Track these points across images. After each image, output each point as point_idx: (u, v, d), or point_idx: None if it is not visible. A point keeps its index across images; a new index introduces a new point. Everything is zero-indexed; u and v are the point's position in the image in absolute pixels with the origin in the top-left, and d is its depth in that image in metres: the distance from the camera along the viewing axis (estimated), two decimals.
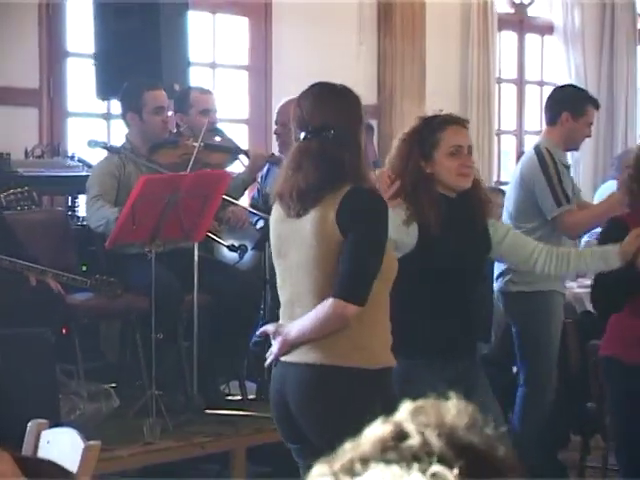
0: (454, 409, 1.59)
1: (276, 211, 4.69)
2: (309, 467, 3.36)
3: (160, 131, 7.24)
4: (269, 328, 4.69)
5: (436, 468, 1.48)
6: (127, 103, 7.38)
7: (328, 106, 4.64)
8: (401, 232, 4.99)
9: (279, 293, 4.79)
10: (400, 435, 1.54)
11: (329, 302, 4.36)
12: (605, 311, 5.77)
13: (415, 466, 1.51)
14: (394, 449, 1.54)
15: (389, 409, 4.34)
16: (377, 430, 1.61)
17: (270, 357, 4.58)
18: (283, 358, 4.50)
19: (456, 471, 1.47)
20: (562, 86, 8.25)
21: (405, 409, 1.65)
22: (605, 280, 5.43)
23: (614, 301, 5.53)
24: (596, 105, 7.33)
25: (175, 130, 7.41)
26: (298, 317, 4.51)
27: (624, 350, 5.55)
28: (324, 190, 4.43)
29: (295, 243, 4.53)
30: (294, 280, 4.59)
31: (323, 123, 4.52)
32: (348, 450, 1.61)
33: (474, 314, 5.53)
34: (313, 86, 4.75)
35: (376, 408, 4.25)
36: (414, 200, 5.12)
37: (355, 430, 4.58)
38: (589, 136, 7.53)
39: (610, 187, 9.97)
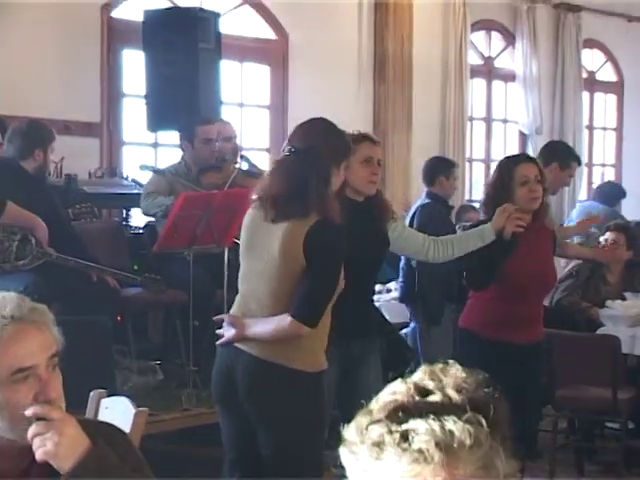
0: (459, 372, 1.65)
1: (252, 214, 4.50)
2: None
3: (207, 158, 7.23)
4: (226, 318, 4.50)
5: (469, 415, 1.53)
6: (183, 133, 7.41)
7: (310, 133, 4.49)
8: None
9: (239, 283, 4.60)
10: (423, 392, 1.58)
11: (287, 320, 4.22)
12: (475, 285, 5.62)
13: (447, 416, 1.53)
14: (422, 402, 1.57)
15: (323, 407, 4.27)
16: (400, 388, 1.62)
17: (222, 340, 4.43)
18: (236, 343, 4.36)
19: (483, 420, 1.54)
20: (556, 141, 8.37)
21: (420, 372, 1.67)
22: (474, 258, 5.32)
23: (482, 277, 5.43)
24: (579, 162, 7.51)
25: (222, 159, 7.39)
26: (252, 313, 4.37)
27: (481, 327, 5.52)
28: (291, 203, 4.26)
29: (265, 247, 4.35)
30: (255, 281, 4.41)
31: (300, 145, 4.37)
32: (378, 406, 1.60)
33: (370, 301, 5.43)
34: (311, 119, 4.62)
35: (312, 407, 4.37)
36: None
37: (293, 422, 4.54)
38: (567, 185, 7.72)
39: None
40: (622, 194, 10.50)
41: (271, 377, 4.32)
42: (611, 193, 10.36)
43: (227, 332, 4.41)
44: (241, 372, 4.36)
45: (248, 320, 4.35)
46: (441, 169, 8.43)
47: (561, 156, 7.16)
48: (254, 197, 4.50)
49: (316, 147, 4.35)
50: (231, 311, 4.58)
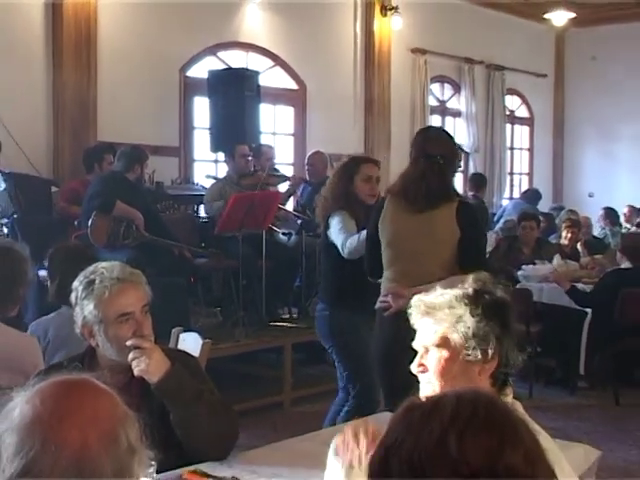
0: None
1: (392, 209, 3.95)
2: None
3: (244, 169, 7.17)
4: (392, 291, 3.87)
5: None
6: (227, 153, 7.39)
7: (447, 143, 4.03)
8: (350, 226, 4.49)
9: (387, 268, 3.95)
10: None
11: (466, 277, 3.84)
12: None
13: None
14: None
15: None
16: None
17: (392, 310, 3.83)
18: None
19: None
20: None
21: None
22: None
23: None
24: None
25: (252, 168, 7.39)
26: (413, 284, 3.68)
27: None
28: (440, 197, 3.84)
29: (422, 232, 3.84)
30: (419, 258, 3.83)
31: (435, 152, 3.89)
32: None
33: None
34: (426, 128, 4.19)
35: None
36: (350, 207, 4.52)
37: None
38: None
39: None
40: (539, 197, 11.03)
41: None
42: (533, 196, 10.96)
43: (395, 303, 3.82)
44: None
45: (412, 289, 3.67)
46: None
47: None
48: (389, 195, 3.98)
49: (451, 152, 4.01)
50: (386, 288, 3.97)
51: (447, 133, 4.15)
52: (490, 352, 2.01)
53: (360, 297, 4.40)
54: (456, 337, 2.01)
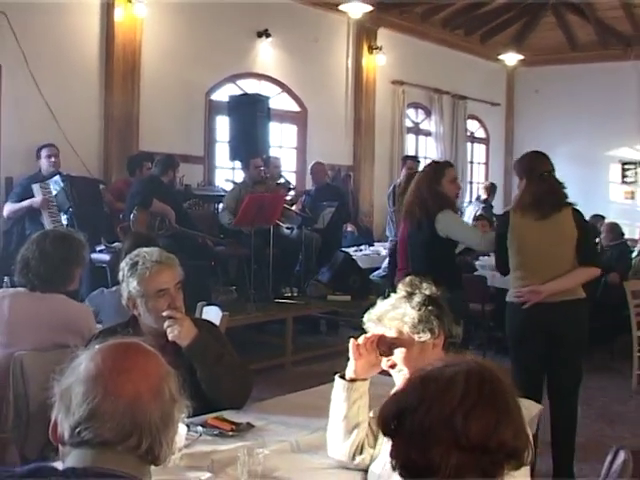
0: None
1: (518, 220, 3.74)
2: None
3: (257, 177, 7.12)
4: (526, 290, 3.69)
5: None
6: (244, 163, 7.35)
7: (542, 160, 3.83)
8: (465, 222, 4.31)
9: (517, 269, 3.76)
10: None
11: (592, 268, 3.69)
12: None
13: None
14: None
15: None
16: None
17: (530, 302, 3.67)
18: (550, 299, 3.63)
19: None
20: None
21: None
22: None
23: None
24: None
25: (265, 176, 7.35)
26: (545, 279, 3.65)
27: None
28: (563, 204, 3.69)
29: (548, 235, 3.67)
30: (549, 258, 3.67)
31: (544, 169, 3.76)
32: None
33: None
34: (527, 154, 3.92)
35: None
36: (450, 205, 4.22)
37: (585, 339, 3.82)
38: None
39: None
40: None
41: (581, 307, 3.73)
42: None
43: (533, 297, 3.66)
44: (562, 313, 3.67)
45: (547, 285, 3.66)
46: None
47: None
48: (517, 208, 3.75)
49: (552, 167, 3.83)
50: (518, 285, 3.76)
51: (541, 153, 3.93)
52: (436, 330, 2.03)
53: (460, 277, 4.40)
54: (407, 328, 2.03)
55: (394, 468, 1.22)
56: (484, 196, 10.20)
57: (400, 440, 1.20)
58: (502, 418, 1.18)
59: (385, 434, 1.25)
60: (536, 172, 3.75)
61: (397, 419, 1.20)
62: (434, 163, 4.53)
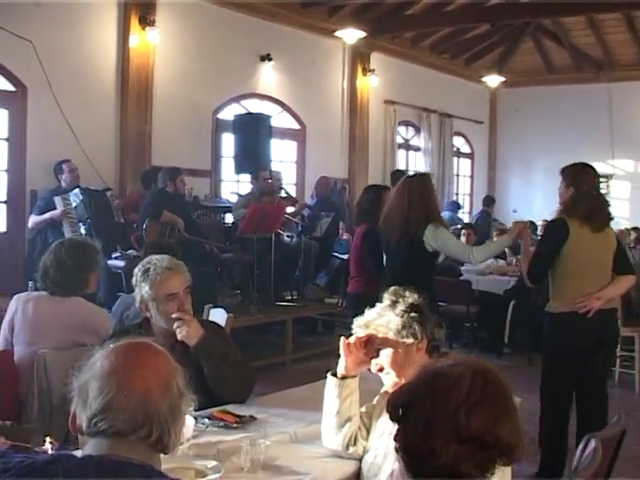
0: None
1: (576, 232, 3.56)
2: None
3: (264, 189, 7.08)
4: (588, 300, 3.55)
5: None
6: (252, 175, 7.30)
7: (585, 176, 3.77)
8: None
9: (569, 277, 3.59)
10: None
11: (631, 277, 3.68)
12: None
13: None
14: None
15: None
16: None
17: (593, 311, 3.55)
18: (603, 307, 3.57)
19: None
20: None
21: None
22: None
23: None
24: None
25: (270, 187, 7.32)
26: (594, 288, 3.56)
27: None
28: (608, 220, 3.64)
29: (599, 246, 3.59)
30: (598, 269, 3.62)
31: (592, 185, 3.72)
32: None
33: None
34: (579, 165, 3.79)
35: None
36: (440, 220, 4.08)
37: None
38: None
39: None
40: (459, 207, 11.11)
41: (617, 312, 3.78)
42: (455, 206, 10.89)
43: (595, 304, 3.56)
44: (612, 318, 3.70)
45: (602, 292, 3.58)
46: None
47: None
48: (572, 219, 3.57)
49: (593, 183, 3.77)
50: (570, 295, 3.59)
51: (590, 167, 3.83)
52: (419, 334, 2.03)
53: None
54: (391, 334, 2.03)
55: (397, 450, 1.24)
56: (484, 207, 10.79)
57: (405, 426, 1.22)
58: (501, 416, 1.19)
59: (392, 419, 1.27)
60: (585, 186, 3.67)
61: (405, 407, 1.22)
62: (423, 175, 4.22)
